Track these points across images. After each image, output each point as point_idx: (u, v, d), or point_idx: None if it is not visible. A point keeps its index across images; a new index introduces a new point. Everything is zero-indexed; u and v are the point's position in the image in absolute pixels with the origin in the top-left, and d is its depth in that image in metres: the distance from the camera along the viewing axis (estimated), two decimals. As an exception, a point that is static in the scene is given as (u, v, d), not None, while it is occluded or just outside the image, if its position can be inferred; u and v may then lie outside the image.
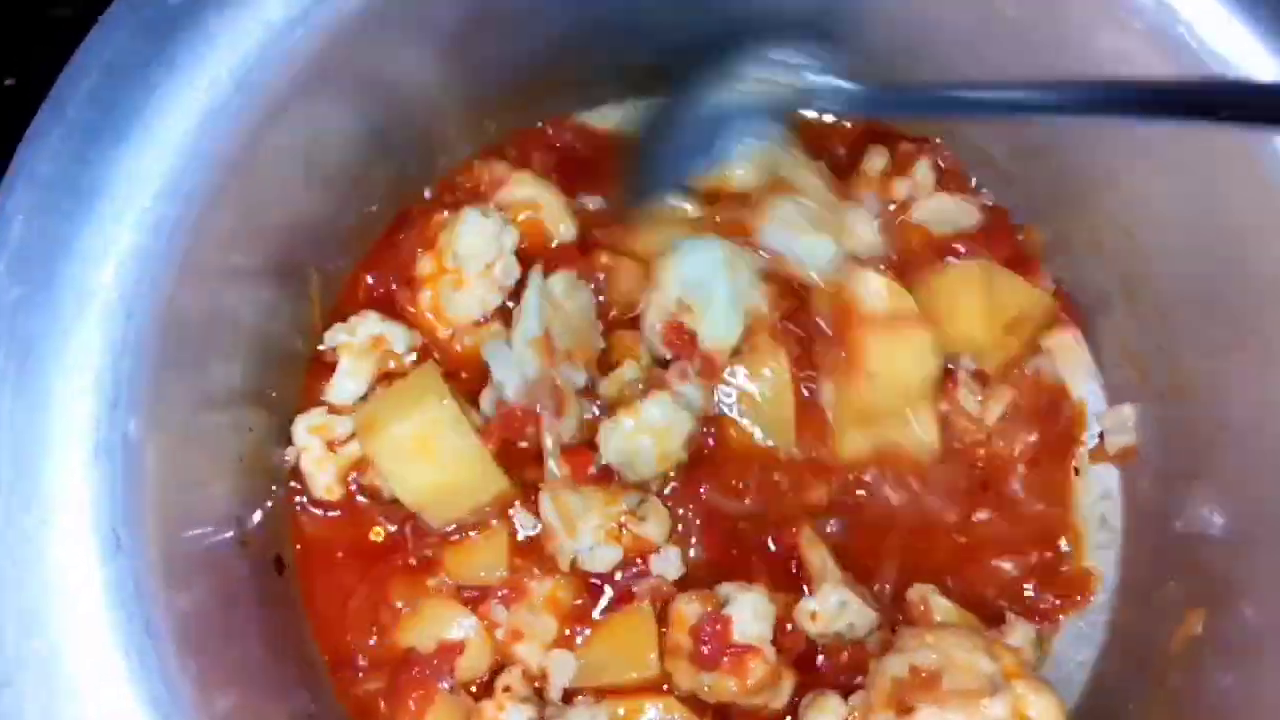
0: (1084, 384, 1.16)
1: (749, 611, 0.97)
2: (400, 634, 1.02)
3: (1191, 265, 1.01)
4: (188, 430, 0.87)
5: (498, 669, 1.02)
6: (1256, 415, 0.97)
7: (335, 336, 1.06)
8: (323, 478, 1.04)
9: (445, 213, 1.09)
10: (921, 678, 0.91)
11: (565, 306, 1.06)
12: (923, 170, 1.14)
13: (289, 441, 1.05)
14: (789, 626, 1.00)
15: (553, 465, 1.02)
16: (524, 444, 1.03)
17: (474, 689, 1.02)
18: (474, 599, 1.03)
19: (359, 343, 1.06)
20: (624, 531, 1.01)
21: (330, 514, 1.06)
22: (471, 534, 1.04)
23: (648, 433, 1.02)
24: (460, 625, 1.01)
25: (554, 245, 1.12)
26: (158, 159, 0.82)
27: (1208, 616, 0.99)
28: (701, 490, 1.06)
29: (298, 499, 1.06)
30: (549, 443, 1.01)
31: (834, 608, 0.99)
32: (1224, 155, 0.93)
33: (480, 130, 1.16)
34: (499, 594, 1.03)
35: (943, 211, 1.14)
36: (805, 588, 1.02)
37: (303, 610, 1.04)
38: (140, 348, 0.80)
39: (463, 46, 1.02)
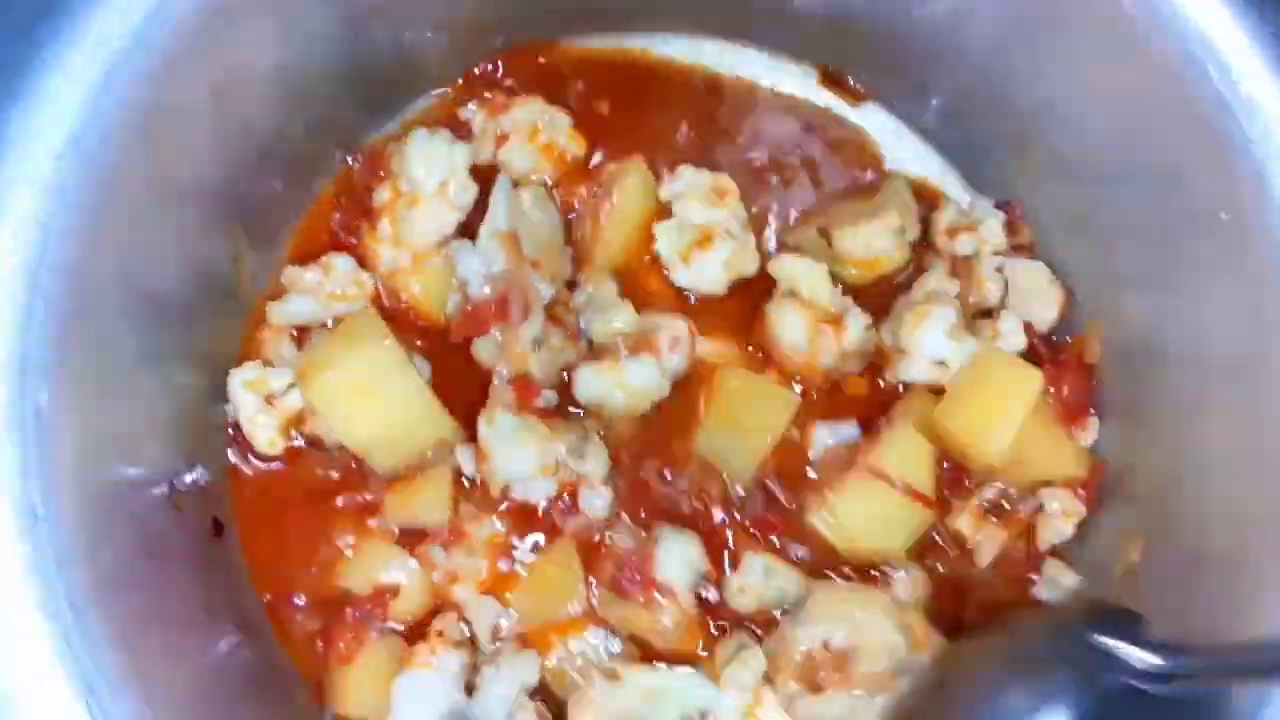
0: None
1: (676, 554, 0.98)
2: (338, 575, 1.02)
3: (1129, 199, 1.00)
4: (107, 396, 0.85)
5: (435, 611, 1.02)
6: (1191, 349, 0.97)
7: (289, 274, 1.05)
8: (263, 433, 1.03)
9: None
10: (832, 657, 0.92)
11: (532, 217, 1.06)
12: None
13: (225, 399, 1.03)
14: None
15: (500, 384, 1.01)
16: (482, 356, 1.02)
17: (407, 630, 1.02)
18: (413, 541, 1.03)
19: (312, 279, 1.05)
20: (560, 468, 1.01)
21: (273, 466, 1.05)
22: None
23: (623, 389, 1.03)
24: (397, 568, 1.01)
25: (569, 160, 1.12)
26: (54, 118, 0.78)
27: (1145, 545, 1.01)
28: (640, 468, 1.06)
29: (234, 458, 1.04)
30: (503, 369, 1.01)
31: (760, 576, 1.00)
32: (1159, 89, 0.92)
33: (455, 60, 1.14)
34: (438, 537, 1.02)
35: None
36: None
37: (243, 566, 1.03)
38: (47, 317, 0.78)
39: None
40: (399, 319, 1.06)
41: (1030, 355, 1.09)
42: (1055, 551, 1.08)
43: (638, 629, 1.00)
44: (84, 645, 0.75)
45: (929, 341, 1.05)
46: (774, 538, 1.05)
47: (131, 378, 0.89)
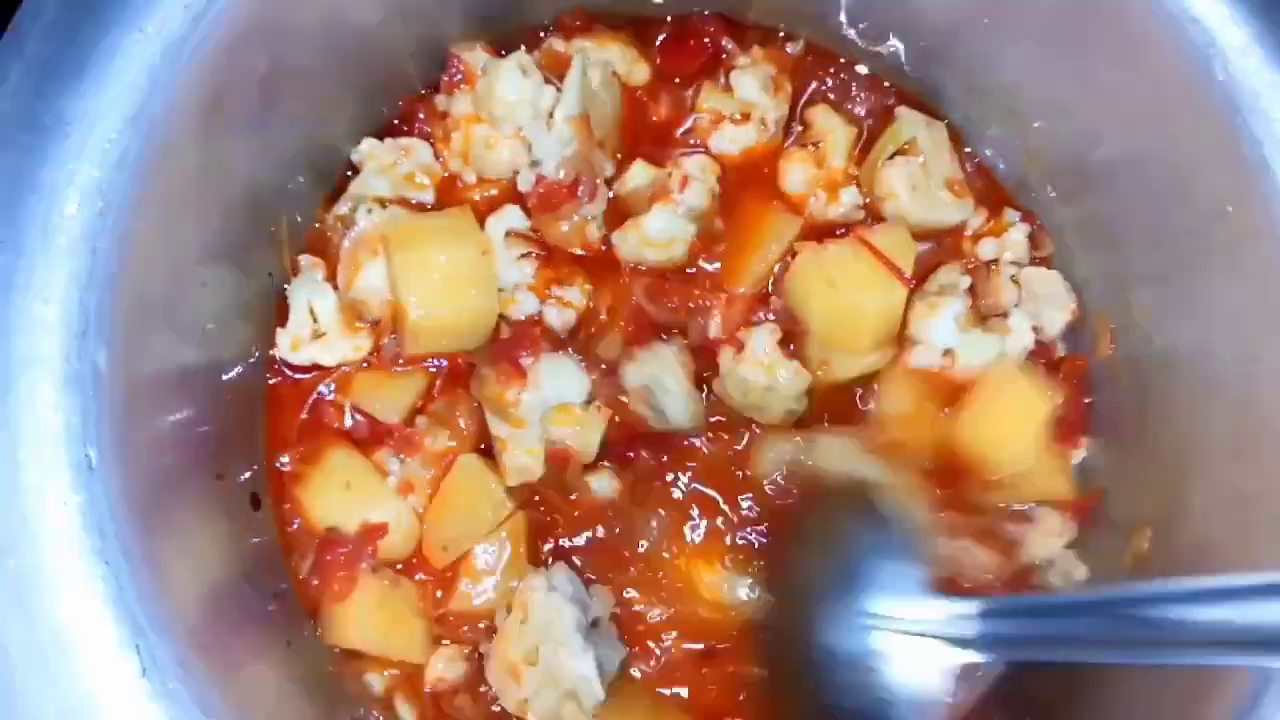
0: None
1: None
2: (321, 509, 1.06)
3: (1137, 197, 1.04)
4: (159, 359, 0.89)
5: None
6: (1198, 343, 1.00)
7: (367, 146, 1.11)
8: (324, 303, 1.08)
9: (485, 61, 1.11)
10: None
11: (600, 96, 1.11)
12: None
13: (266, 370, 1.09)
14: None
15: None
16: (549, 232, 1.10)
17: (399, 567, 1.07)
18: (366, 442, 1.08)
19: (388, 157, 1.11)
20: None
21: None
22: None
23: (649, 244, 1.10)
24: (387, 508, 1.06)
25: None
26: (118, 93, 0.83)
27: (1154, 533, 1.03)
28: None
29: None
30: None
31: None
32: (1171, 87, 0.95)
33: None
34: (393, 439, 1.07)
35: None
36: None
37: (278, 540, 1.07)
38: (107, 281, 0.82)
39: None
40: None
41: (1034, 357, 1.13)
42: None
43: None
44: (134, 592, 0.79)
45: (939, 331, 1.09)
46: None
47: (183, 345, 0.93)
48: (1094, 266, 1.12)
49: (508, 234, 1.09)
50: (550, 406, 1.06)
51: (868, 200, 1.15)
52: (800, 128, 1.17)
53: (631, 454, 1.09)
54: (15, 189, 0.81)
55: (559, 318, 1.10)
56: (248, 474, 1.06)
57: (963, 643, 0.88)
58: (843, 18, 1.15)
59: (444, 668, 1.06)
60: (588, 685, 0.99)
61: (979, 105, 1.15)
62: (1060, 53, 1.03)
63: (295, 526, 1.08)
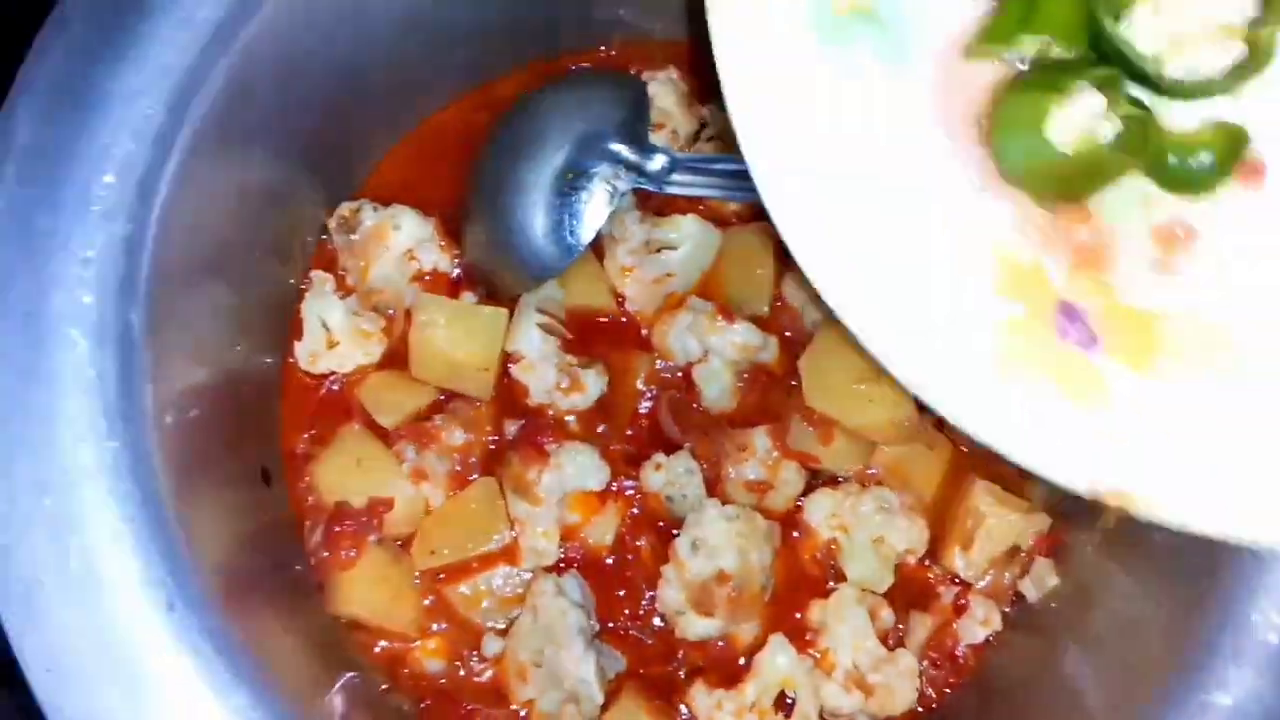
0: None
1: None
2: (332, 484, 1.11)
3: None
4: (186, 327, 0.94)
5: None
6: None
7: None
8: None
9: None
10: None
11: None
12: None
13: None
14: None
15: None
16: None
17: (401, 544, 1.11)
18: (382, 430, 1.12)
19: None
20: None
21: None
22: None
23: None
24: (395, 486, 1.10)
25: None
26: (157, 74, 0.89)
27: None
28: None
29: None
30: None
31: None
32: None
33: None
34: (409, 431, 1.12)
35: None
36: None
37: (291, 510, 1.12)
38: (141, 246, 0.87)
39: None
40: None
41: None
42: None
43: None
44: (163, 534, 0.84)
45: None
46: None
47: (215, 300, 1.00)
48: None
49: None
50: (569, 490, 1.10)
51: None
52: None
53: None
54: (58, 158, 0.86)
55: (570, 403, 1.13)
56: (263, 449, 1.11)
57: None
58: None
59: (435, 647, 1.11)
60: (587, 689, 1.04)
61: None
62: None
63: (309, 502, 1.12)
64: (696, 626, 1.06)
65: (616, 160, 1.08)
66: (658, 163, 1.09)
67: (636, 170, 1.08)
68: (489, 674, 1.09)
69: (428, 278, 1.17)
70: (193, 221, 0.93)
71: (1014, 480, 1.12)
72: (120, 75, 0.89)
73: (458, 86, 1.24)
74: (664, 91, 1.20)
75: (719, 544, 1.05)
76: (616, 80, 1.18)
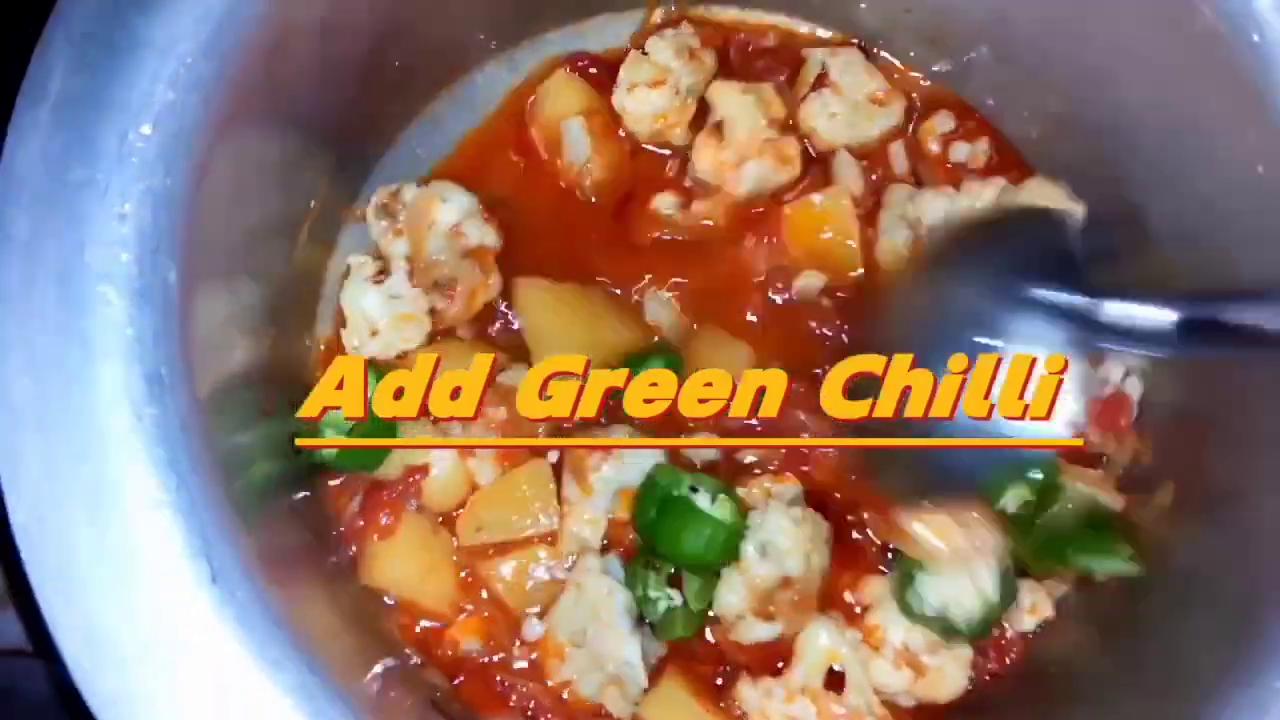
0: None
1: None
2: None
3: (1167, 162, 1.07)
4: (224, 283, 0.90)
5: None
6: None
7: None
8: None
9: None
10: None
11: None
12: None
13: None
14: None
15: None
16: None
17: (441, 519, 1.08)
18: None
19: None
20: None
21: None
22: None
23: None
24: (431, 457, 1.07)
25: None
26: (193, 21, 0.85)
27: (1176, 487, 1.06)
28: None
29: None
30: None
31: None
32: (1200, 54, 0.99)
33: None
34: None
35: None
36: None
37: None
38: (179, 200, 0.83)
39: None
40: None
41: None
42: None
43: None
44: (204, 504, 0.80)
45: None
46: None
47: (254, 262, 0.95)
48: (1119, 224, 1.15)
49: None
50: (624, 484, 1.06)
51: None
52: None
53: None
54: (94, 108, 0.82)
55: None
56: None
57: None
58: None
59: (471, 626, 1.08)
60: (632, 671, 1.01)
61: (1008, 73, 1.19)
62: (1089, 14, 1.07)
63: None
64: (756, 631, 1.03)
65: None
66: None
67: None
68: (532, 656, 1.06)
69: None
70: (232, 177, 0.89)
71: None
72: (158, 21, 0.84)
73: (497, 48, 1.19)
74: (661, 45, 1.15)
75: (788, 547, 1.02)
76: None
